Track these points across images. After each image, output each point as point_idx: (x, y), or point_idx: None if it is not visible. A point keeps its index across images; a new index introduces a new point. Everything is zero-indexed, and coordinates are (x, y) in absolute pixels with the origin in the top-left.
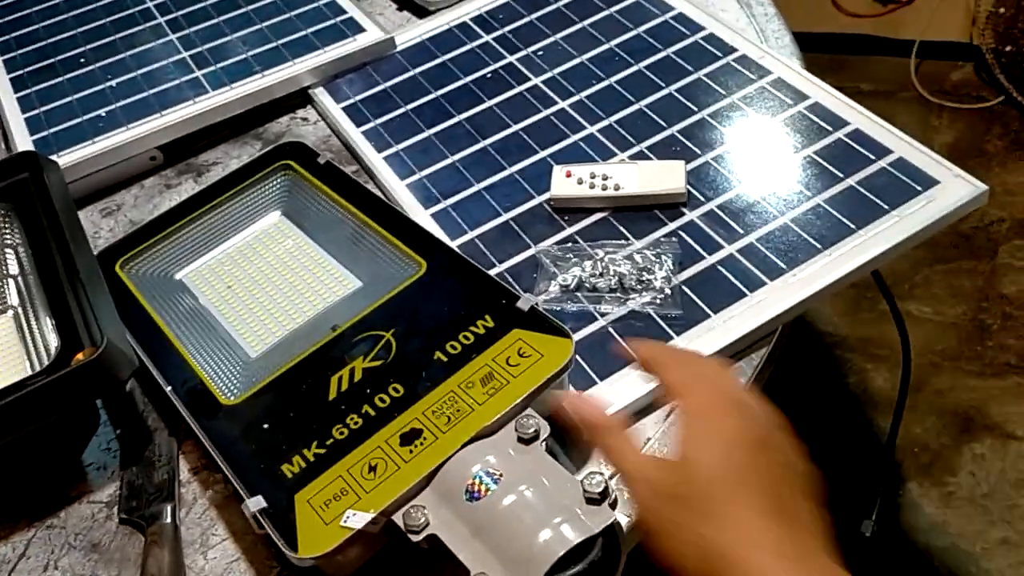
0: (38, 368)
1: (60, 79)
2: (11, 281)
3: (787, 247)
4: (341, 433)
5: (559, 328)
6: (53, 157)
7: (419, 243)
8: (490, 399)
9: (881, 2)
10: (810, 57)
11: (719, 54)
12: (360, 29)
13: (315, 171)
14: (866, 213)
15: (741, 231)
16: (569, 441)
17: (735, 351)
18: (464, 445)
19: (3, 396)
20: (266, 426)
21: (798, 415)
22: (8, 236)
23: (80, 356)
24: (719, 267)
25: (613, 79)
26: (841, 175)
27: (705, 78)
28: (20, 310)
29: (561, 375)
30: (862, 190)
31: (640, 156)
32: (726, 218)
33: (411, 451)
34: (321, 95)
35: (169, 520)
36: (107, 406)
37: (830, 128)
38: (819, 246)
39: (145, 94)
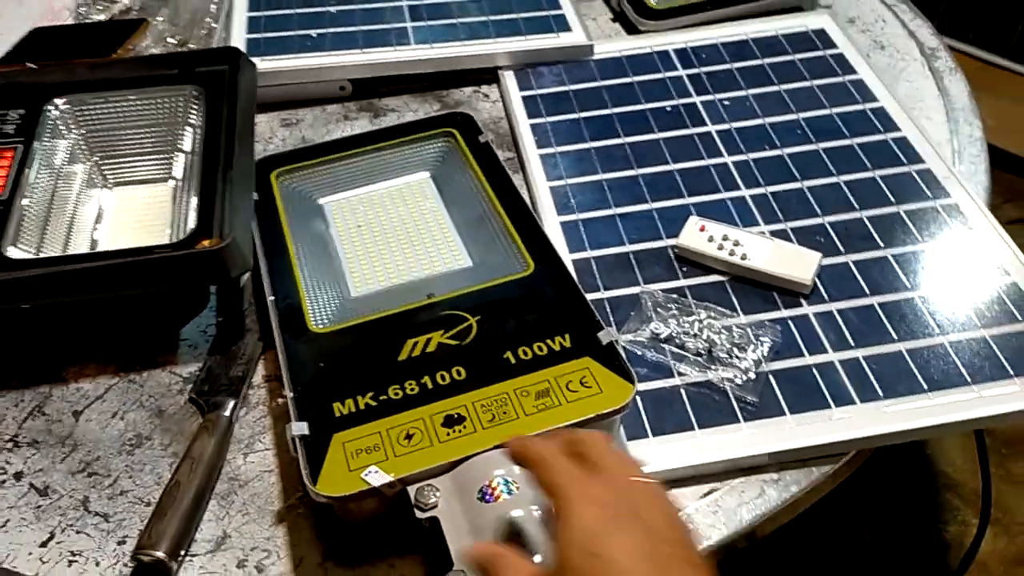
0: (174, 240)
1: None
2: (182, 156)
3: (892, 376)
4: (396, 394)
5: (627, 372)
6: (257, 59)
7: (536, 246)
8: (537, 413)
9: None
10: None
11: (904, 160)
12: (566, 28)
13: (473, 147)
14: (991, 371)
15: (852, 343)
16: None
17: (795, 457)
18: (496, 447)
19: (131, 256)
20: (336, 363)
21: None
22: (192, 116)
23: (205, 243)
24: (814, 370)
25: (786, 150)
26: (978, 324)
27: (879, 179)
28: (179, 183)
29: (613, 416)
30: (996, 349)
31: (781, 234)
32: (841, 324)
33: (448, 434)
34: (508, 78)
35: (227, 414)
36: (219, 294)
37: (991, 274)
38: (924, 387)
39: (356, 29)
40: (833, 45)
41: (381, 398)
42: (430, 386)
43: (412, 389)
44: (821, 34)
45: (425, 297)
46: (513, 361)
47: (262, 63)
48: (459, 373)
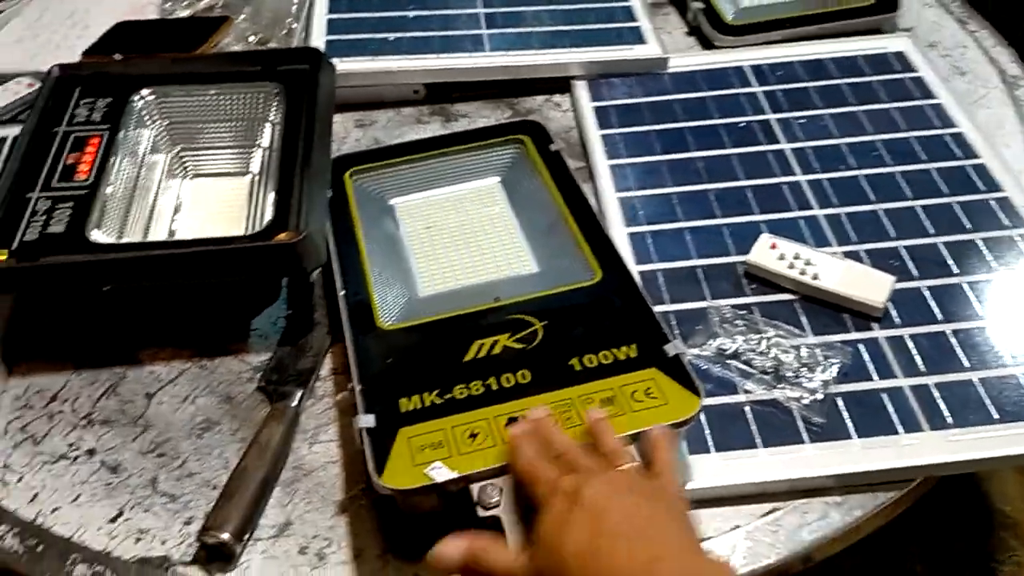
0: (251, 232)
1: None
2: (259, 151)
3: (962, 404)
4: (461, 393)
5: (693, 385)
6: (335, 60)
7: (604, 255)
8: None
9: None
10: None
11: (981, 187)
12: (641, 41)
13: (543, 154)
14: None
15: (923, 369)
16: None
17: (861, 481)
18: None
19: (210, 245)
20: (403, 360)
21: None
22: (271, 112)
23: (282, 236)
24: (883, 395)
25: (862, 172)
26: None
27: (956, 205)
28: (257, 178)
29: (678, 428)
30: None
31: (854, 256)
32: (913, 350)
33: None
34: (580, 88)
35: (295, 404)
36: (290, 287)
37: None
38: (996, 416)
39: (432, 34)
40: (912, 69)
41: (447, 396)
42: (495, 387)
43: (477, 389)
44: (900, 57)
45: (492, 300)
46: (578, 368)
47: (340, 64)
48: (524, 376)
